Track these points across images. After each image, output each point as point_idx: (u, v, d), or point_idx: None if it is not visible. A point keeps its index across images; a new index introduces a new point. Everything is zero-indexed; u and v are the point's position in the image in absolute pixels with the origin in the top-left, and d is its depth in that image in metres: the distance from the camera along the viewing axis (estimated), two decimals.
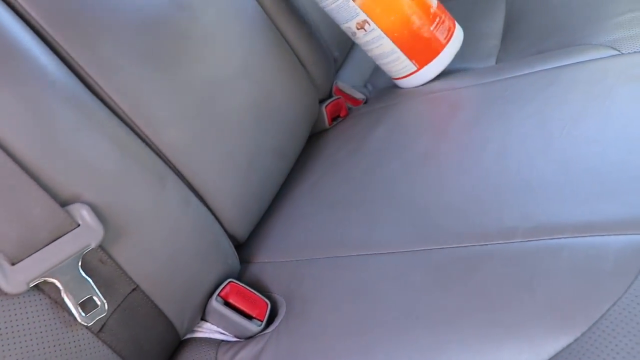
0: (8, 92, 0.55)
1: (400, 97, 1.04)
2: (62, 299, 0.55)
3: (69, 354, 0.56)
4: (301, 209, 0.85)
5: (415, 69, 1.01)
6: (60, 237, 0.55)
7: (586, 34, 0.97)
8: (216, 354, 0.69)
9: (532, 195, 0.66)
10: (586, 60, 0.88)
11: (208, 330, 0.72)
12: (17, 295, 0.53)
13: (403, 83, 1.06)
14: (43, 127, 0.57)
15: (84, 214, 0.56)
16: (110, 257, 0.60)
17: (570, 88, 0.81)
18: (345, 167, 0.89)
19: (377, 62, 1.05)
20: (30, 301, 0.54)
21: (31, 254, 0.53)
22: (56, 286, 0.55)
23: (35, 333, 0.54)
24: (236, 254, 0.78)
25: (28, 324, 0.54)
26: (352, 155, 0.91)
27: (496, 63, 1.08)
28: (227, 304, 0.70)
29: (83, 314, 0.56)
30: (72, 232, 0.56)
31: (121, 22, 0.70)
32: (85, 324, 0.57)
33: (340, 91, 1.15)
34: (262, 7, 0.96)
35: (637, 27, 0.90)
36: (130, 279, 0.62)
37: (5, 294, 0.52)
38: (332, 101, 1.08)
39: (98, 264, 0.59)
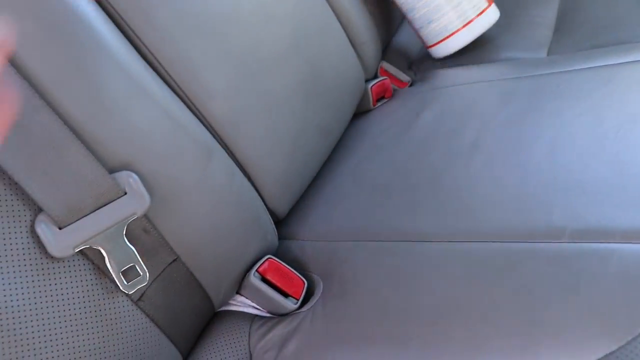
0: (61, 54, 0.55)
1: (447, 81, 1.02)
2: (105, 266, 0.55)
3: (108, 320, 0.56)
4: (343, 190, 0.85)
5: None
6: (107, 204, 0.55)
7: None
8: (249, 328, 0.69)
9: (583, 196, 0.64)
10: None
11: (242, 304, 0.73)
12: (63, 259, 0.53)
13: (441, 48, 1.07)
14: (95, 91, 0.57)
15: (131, 182, 0.56)
16: (154, 226, 0.60)
17: (628, 88, 0.78)
18: (390, 151, 0.88)
19: (420, 27, 1.07)
20: (74, 265, 0.54)
21: (78, 219, 0.53)
22: (100, 253, 0.55)
23: (77, 298, 0.54)
24: (275, 230, 0.78)
25: (71, 288, 0.54)
26: (396, 139, 0.90)
27: (547, 54, 1.05)
28: (264, 280, 0.70)
29: (125, 282, 0.56)
30: (118, 199, 0.55)
31: None
32: (126, 292, 0.57)
33: (386, 72, 1.14)
34: None
35: None
36: (172, 249, 0.62)
37: (52, 257, 0.52)
38: (379, 82, 1.06)
39: (141, 233, 0.59)
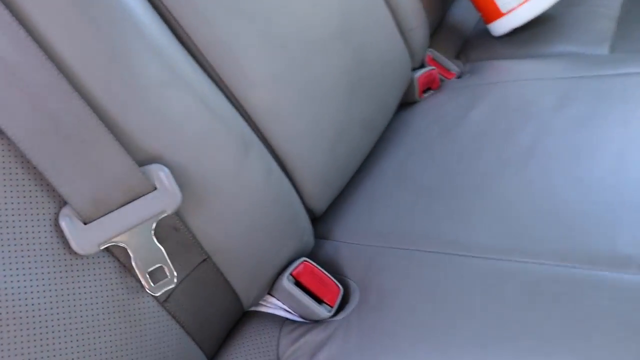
0: (91, 35, 0.50)
1: (499, 76, 0.97)
2: (131, 265, 0.52)
3: (132, 321, 0.53)
4: (384, 189, 0.80)
5: None
6: (136, 199, 0.51)
7: None
8: (279, 332, 0.66)
9: None
10: None
11: (273, 306, 0.69)
12: (87, 256, 0.50)
13: (501, 23, 1.04)
14: (127, 76, 0.52)
15: (162, 176, 0.52)
16: (184, 224, 0.56)
17: None
18: (436, 149, 0.83)
19: None
20: (98, 263, 0.51)
21: (104, 215, 0.50)
22: (126, 251, 0.52)
23: (100, 297, 0.51)
24: (312, 230, 0.74)
25: (94, 286, 0.51)
26: (444, 137, 0.85)
27: (610, 50, 0.99)
28: (297, 284, 0.67)
29: (152, 284, 0.53)
30: (148, 195, 0.52)
31: None
32: (153, 294, 0.53)
33: (434, 61, 1.09)
34: None
35: None
36: (202, 248, 0.58)
37: (75, 253, 0.49)
38: (426, 72, 1.01)
39: (171, 231, 0.55)
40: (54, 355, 0.47)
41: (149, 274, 0.53)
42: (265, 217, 0.64)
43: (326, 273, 0.68)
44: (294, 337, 0.64)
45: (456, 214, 0.70)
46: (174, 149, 0.55)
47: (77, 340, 0.49)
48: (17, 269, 0.46)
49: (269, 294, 0.69)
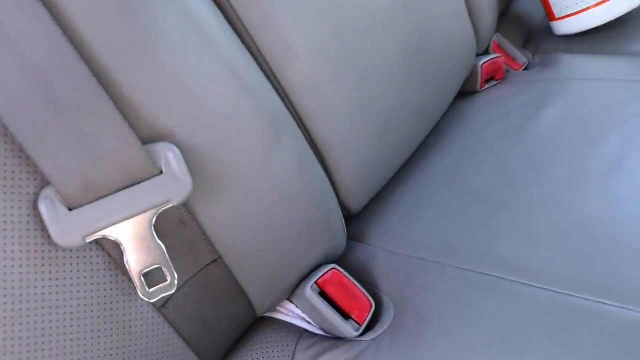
0: None
1: (575, 72, 0.86)
2: (124, 262, 0.43)
3: (121, 327, 0.45)
4: (433, 190, 0.71)
5: None
6: (135, 184, 0.42)
7: None
8: (295, 346, 0.58)
9: None
10: None
11: (291, 314, 0.62)
12: (70, 249, 0.42)
13: (569, 23, 0.93)
14: (139, 28, 0.43)
15: (170, 158, 0.43)
16: (193, 217, 0.47)
17: None
18: (498, 150, 0.72)
19: None
20: (84, 257, 0.43)
21: (95, 200, 0.41)
22: (119, 245, 0.43)
23: (84, 296, 0.43)
24: (346, 232, 0.65)
25: (77, 284, 0.42)
26: (508, 137, 0.74)
27: None
28: (322, 294, 0.58)
29: (147, 288, 0.44)
30: (151, 180, 0.42)
31: None
32: (147, 299, 0.44)
33: (500, 48, 0.99)
34: None
35: None
36: (213, 247, 0.49)
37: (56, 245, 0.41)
38: (491, 59, 0.91)
39: (177, 224, 0.46)
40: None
41: (144, 276, 0.44)
42: (292, 214, 0.54)
43: (357, 284, 0.60)
44: (312, 355, 0.56)
45: (520, 233, 0.60)
46: (189, 125, 0.45)
47: (54, 344, 0.42)
48: None
49: (289, 299, 0.60)
